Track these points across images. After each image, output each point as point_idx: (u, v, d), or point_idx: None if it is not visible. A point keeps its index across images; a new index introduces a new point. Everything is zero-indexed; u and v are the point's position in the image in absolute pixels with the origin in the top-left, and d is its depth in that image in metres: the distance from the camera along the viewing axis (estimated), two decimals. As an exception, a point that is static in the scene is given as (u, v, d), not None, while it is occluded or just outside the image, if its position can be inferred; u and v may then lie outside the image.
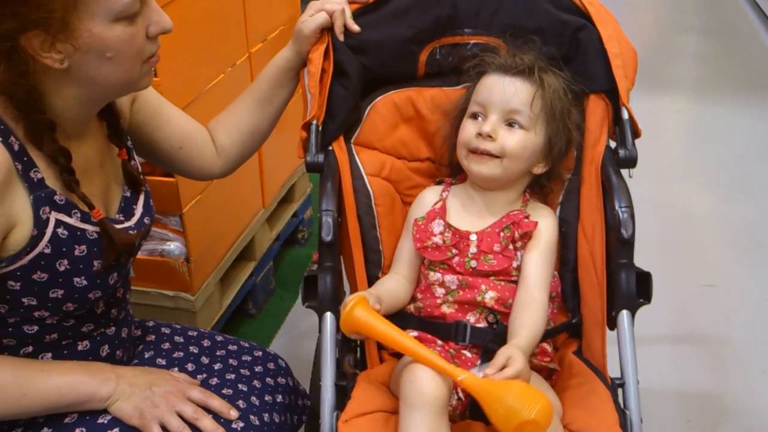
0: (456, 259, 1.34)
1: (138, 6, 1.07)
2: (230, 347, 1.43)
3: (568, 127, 1.37)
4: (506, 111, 1.33)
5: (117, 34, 1.06)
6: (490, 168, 1.33)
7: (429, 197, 1.43)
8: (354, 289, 1.38)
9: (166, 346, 1.39)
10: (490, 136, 1.32)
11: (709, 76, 4.19)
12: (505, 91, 1.33)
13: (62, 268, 1.12)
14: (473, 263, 1.33)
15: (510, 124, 1.33)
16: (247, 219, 2.22)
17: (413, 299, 1.39)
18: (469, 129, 1.35)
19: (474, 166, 1.34)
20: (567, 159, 1.41)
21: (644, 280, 1.27)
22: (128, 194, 1.28)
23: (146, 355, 1.37)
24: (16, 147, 1.06)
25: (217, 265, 2.06)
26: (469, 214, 1.39)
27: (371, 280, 1.41)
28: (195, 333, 1.45)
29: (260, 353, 1.44)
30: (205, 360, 1.38)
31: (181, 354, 1.38)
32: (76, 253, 1.13)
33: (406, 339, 1.18)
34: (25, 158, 1.07)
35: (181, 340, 1.42)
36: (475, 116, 1.36)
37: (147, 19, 1.10)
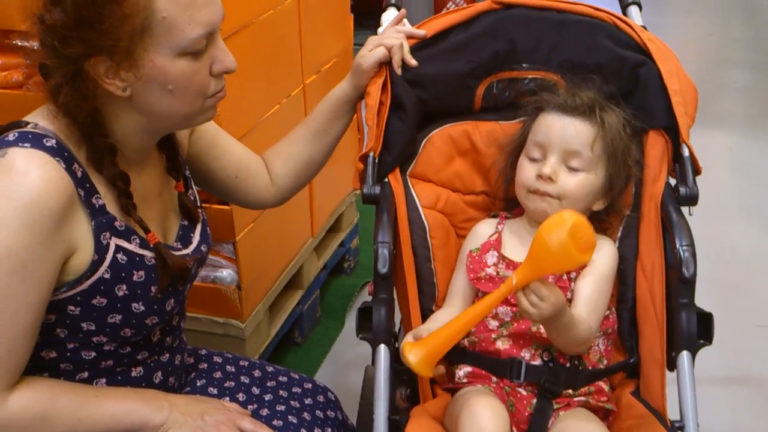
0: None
1: (204, 43, 1.09)
2: (281, 378, 1.43)
3: (628, 164, 1.36)
4: (567, 152, 1.32)
5: (180, 68, 1.07)
6: (551, 207, 1.32)
7: (484, 230, 1.42)
8: (407, 321, 1.37)
9: (218, 375, 1.40)
10: (551, 178, 1.31)
11: (758, 112, 4.13)
12: (566, 132, 1.32)
13: (121, 294, 1.13)
14: None
15: (570, 165, 1.32)
16: (297, 247, 2.23)
17: (467, 334, 1.38)
18: (528, 170, 1.34)
19: (534, 205, 1.34)
20: (626, 195, 1.39)
21: (705, 321, 1.25)
22: (186, 223, 1.29)
23: (198, 384, 1.37)
24: (79, 174, 1.08)
25: (267, 293, 2.07)
26: (524, 248, 1.36)
27: (425, 313, 1.40)
28: (246, 363, 1.45)
29: (310, 385, 1.44)
30: (255, 390, 1.38)
31: (233, 384, 1.39)
32: (135, 278, 1.14)
33: (463, 321, 1.20)
34: (88, 185, 1.09)
35: (233, 369, 1.42)
36: (533, 156, 1.35)
37: (212, 57, 1.11)
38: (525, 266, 1.17)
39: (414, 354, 1.19)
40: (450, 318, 1.34)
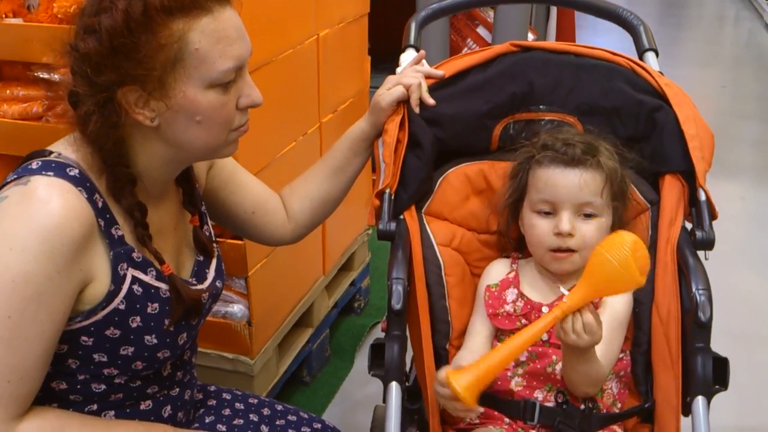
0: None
1: (233, 76, 1.10)
2: (290, 417, 1.42)
3: (628, 194, 1.37)
4: (579, 204, 1.31)
5: (209, 99, 1.09)
6: (571, 263, 1.32)
7: (499, 268, 1.42)
8: (419, 359, 1.35)
9: (227, 412, 1.39)
10: (570, 234, 1.30)
11: (769, 164, 4.15)
12: (573, 186, 1.31)
13: (134, 325, 1.13)
14: (544, 335, 1.31)
15: (583, 215, 1.32)
16: (308, 285, 2.23)
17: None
18: (543, 227, 1.33)
19: (555, 265, 1.33)
20: (641, 237, 1.39)
21: (721, 366, 1.23)
22: (201, 258, 1.29)
23: (207, 420, 1.36)
24: (100, 204, 1.09)
25: (277, 330, 2.06)
26: (540, 287, 1.37)
27: (438, 351, 1.38)
28: (255, 400, 1.44)
29: (319, 425, 1.43)
30: (264, 429, 1.37)
31: (242, 421, 1.37)
32: (149, 310, 1.14)
33: (510, 348, 1.16)
34: (108, 215, 1.10)
35: (242, 407, 1.41)
36: (543, 211, 1.34)
37: (239, 91, 1.13)
38: (581, 288, 1.16)
39: (459, 380, 1.14)
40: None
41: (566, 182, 1.31)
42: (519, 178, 1.39)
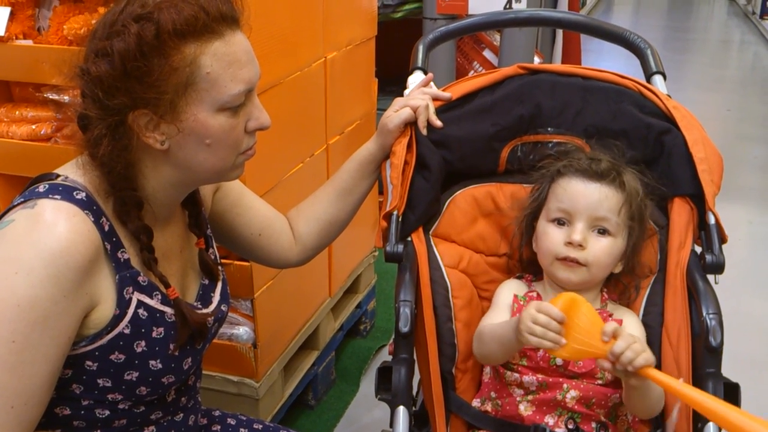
0: (541, 352, 1.30)
1: (242, 100, 1.11)
2: (295, 442, 1.40)
3: (647, 226, 1.35)
4: (594, 218, 1.31)
5: (219, 122, 1.09)
6: (579, 275, 1.31)
7: (515, 286, 1.40)
8: (426, 382, 1.34)
9: (231, 438, 1.38)
10: (581, 245, 1.30)
11: (777, 187, 4.14)
12: (592, 199, 1.31)
13: (139, 350, 1.12)
14: (559, 360, 1.29)
15: (597, 230, 1.31)
16: (314, 307, 2.22)
17: (489, 398, 1.35)
18: (555, 236, 1.33)
19: (562, 274, 1.32)
20: (650, 261, 1.38)
21: (732, 392, 1.22)
22: (206, 282, 1.28)
23: (211, 445, 1.35)
24: (107, 227, 1.08)
25: (282, 353, 2.04)
26: None
27: (443, 375, 1.36)
28: (260, 426, 1.42)
29: (324, 449, 1.41)
30: (269, 454, 1.36)
31: (246, 446, 1.36)
32: (154, 335, 1.13)
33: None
34: (114, 238, 1.09)
35: None
36: (558, 222, 1.34)
37: (248, 114, 1.13)
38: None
39: None
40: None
41: (586, 193, 1.31)
42: (540, 189, 1.39)
